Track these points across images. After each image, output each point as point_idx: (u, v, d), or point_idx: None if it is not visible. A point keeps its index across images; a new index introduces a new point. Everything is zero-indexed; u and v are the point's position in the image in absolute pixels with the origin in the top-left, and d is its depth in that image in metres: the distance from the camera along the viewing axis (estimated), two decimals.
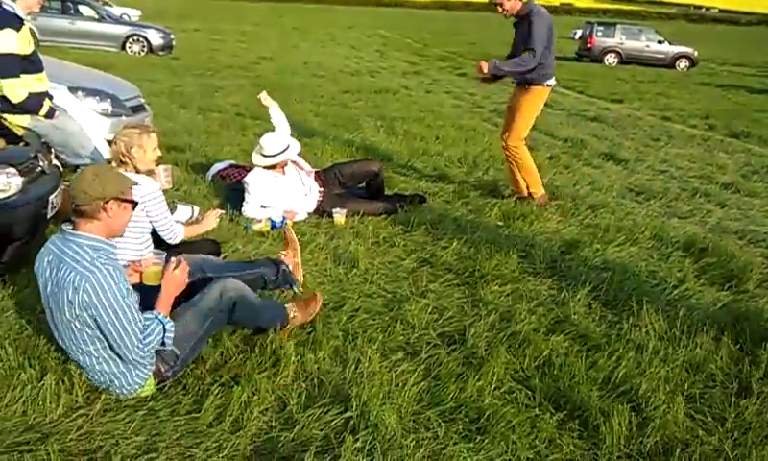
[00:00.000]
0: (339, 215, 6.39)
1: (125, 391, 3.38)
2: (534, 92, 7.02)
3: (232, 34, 34.52)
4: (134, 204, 3.49)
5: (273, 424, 3.27)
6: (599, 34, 32.81)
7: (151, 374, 3.43)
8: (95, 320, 3.17)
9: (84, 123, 6.59)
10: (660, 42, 32.66)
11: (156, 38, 21.78)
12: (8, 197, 4.21)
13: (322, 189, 6.73)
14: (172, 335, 3.37)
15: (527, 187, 7.34)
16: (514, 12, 6.88)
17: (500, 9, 6.91)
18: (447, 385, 3.63)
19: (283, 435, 3.19)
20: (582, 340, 4.23)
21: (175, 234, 4.84)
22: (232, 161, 7.85)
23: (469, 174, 8.57)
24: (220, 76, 17.51)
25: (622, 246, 6.03)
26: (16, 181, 4.30)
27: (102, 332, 3.21)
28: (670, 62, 31.95)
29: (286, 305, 4.12)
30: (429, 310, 4.57)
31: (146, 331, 3.27)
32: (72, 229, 3.29)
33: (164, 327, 3.34)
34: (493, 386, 3.65)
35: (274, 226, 6.12)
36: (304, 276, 4.91)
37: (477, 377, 3.69)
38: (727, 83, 25.79)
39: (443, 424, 3.34)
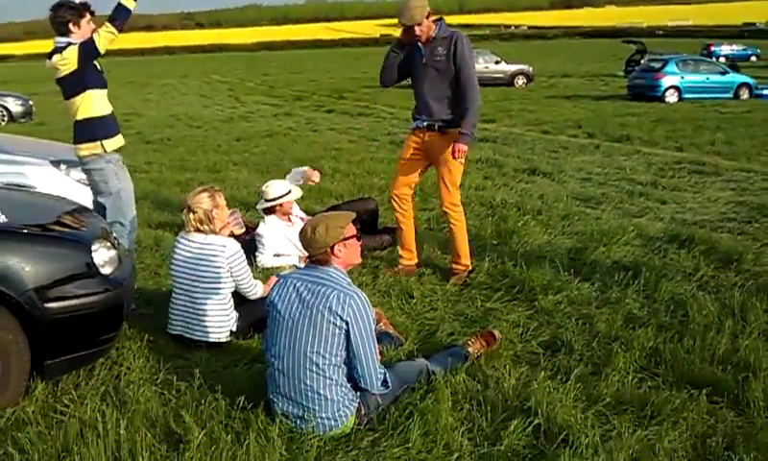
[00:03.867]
0: None
1: (333, 422, 3.57)
2: (453, 136, 5.79)
3: None
4: (358, 236, 3.87)
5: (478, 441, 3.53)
6: None
7: (354, 413, 3.60)
8: (347, 336, 3.52)
9: (71, 195, 6.45)
10: (497, 63, 34.60)
11: (14, 106, 20.81)
12: (112, 272, 4.17)
13: None
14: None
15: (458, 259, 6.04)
16: (426, 35, 5.72)
17: (416, 32, 5.64)
18: (594, 383, 4.01)
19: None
20: (668, 328, 4.73)
21: (255, 292, 4.95)
22: None
23: (426, 201, 8.94)
24: None
25: (621, 247, 6.62)
26: (113, 255, 4.27)
27: (352, 351, 3.54)
28: (509, 80, 33.97)
29: (463, 344, 4.44)
30: (516, 325, 4.91)
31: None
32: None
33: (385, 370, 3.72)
34: (631, 376, 4.07)
35: None
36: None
37: (614, 373, 4.08)
38: (570, 94, 27.79)
39: (615, 416, 3.71)
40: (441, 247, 6.80)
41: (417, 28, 5.64)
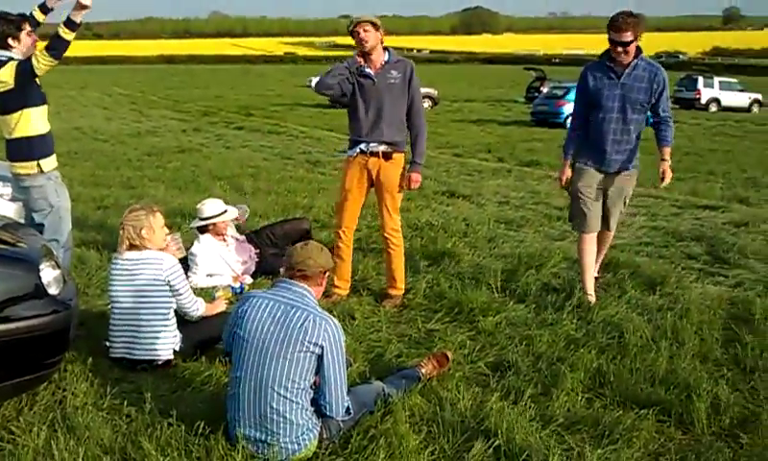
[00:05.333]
0: None
1: (296, 447, 3.54)
2: (397, 161, 5.91)
3: None
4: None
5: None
6: None
7: (317, 437, 3.58)
8: (319, 361, 3.53)
9: None
10: None
11: None
12: (59, 293, 4.02)
13: (257, 251, 6.87)
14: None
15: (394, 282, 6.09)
16: (379, 64, 5.69)
17: (361, 36, 5.58)
18: (545, 403, 4.12)
19: None
20: (607, 349, 4.89)
21: (197, 308, 4.86)
22: None
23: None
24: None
25: (549, 269, 6.80)
26: (58, 275, 4.12)
27: (322, 376, 3.55)
28: None
29: (418, 366, 4.46)
30: (461, 347, 4.99)
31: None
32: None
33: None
34: (580, 396, 4.20)
35: (234, 291, 6.17)
36: None
37: (563, 394, 4.20)
38: (475, 118, 28.37)
39: (570, 436, 3.82)
40: (374, 268, 6.84)
41: (363, 33, 5.56)
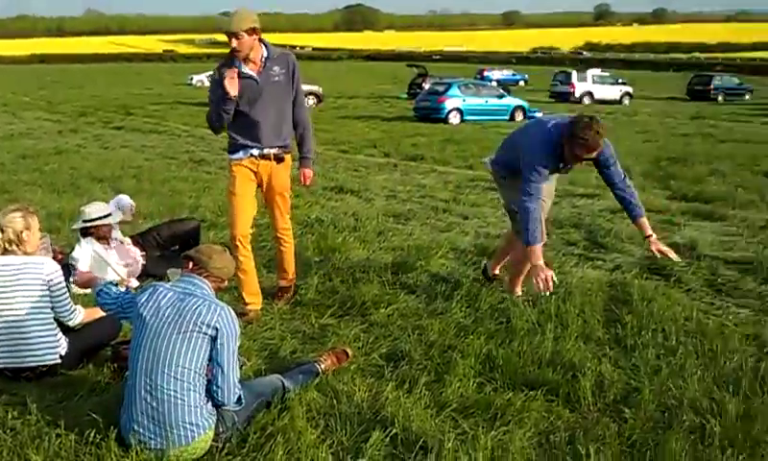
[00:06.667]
0: (177, 275, 6.42)
1: (191, 432, 3.47)
2: (287, 163, 5.74)
3: None
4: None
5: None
6: None
7: (212, 427, 3.57)
8: (212, 345, 3.54)
9: None
10: None
11: None
12: None
13: (143, 253, 6.71)
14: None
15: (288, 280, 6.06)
16: (245, 53, 5.25)
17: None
18: (439, 389, 4.21)
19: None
20: (496, 335, 5.03)
21: (75, 316, 4.69)
22: None
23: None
24: None
25: (437, 260, 6.94)
26: None
27: (215, 360, 3.55)
28: None
29: (316, 361, 4.47)
30: (355, 339, 5.03)
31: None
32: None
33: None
34: (471, 381, 4.31)
35: None
36: None
37: (456, 379, 4.30)
38: (359, 114, 28.59)
39: (464, 420, 3.92)
40: (264, 266, 6.79)
41: (235, 40, 5.13)
